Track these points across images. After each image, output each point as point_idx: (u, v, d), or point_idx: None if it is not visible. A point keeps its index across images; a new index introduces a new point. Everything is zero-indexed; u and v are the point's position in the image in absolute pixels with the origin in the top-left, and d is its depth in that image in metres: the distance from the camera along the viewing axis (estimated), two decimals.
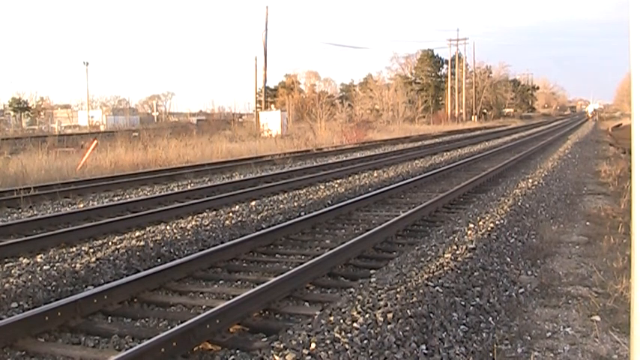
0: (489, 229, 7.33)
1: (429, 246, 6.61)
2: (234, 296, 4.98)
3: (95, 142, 19.52)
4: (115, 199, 11.12)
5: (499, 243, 6.86)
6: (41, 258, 6.20)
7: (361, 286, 5.11)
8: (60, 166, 15.67)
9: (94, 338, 4.45)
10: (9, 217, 9.25)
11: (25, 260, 6.14)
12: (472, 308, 4.79)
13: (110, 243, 6.92)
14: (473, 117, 77.84)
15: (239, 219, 8.47)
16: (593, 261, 6.55)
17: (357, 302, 4.53)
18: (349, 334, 3.87)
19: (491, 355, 4.10)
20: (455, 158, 19.63)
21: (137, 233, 7.46)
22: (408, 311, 4.29)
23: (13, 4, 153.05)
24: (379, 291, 4.79)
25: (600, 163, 17.92)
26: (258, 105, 43.88)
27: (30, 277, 5.54)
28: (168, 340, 3.89)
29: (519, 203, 9.36)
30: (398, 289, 4.75)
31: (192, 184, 13.11)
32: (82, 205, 10.35)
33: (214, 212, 9.13)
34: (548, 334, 4.54)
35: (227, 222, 8.24)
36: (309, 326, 4.11)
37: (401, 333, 3.98)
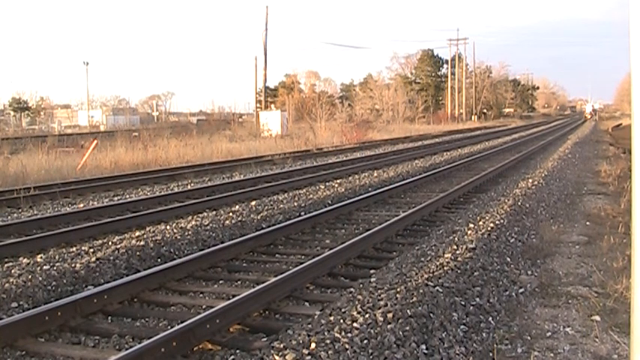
0: (489, 228, 7.33)
1: (429, 246, 6.61)
2: (234, 296, 4.98)
3: (95, 142, 19.52)
4: (115, 199, 11.12)
5: (499, 243, 6.86)
6: (41, 258, 6.20)
7: (361, 286, 5.11)
8: (60, 166, 15.66)
9: (94, 338, 4.45)
10: (9, 217, 9.25)
11: (25, 260, 6.14)
12: (472, 308, 4.79)
13: (110, 243, 6.91)
14: (473, 117, 77.84)
15: (239, 219, 8.47)
16: (593, 261, 6.55)
17: (357, 302, 4.53)
18: (349, 334, 3.87)
19: (491, 355, 4.10)
20: (455, 158, 19.63)
21: (137, 233, 7.46)
22: (408, 311, 4.29)
23: (13, 4, 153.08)
24: (379, 291, 4.79)
25: (600, 162, 17.92)
26: (258, 105, 43.90)
27: (30, 276, 5.54)
28: (168, 340, 3.89)
29: (519, 203, 9.36)
30: (398, 289, 4.75)
31: (192, 184, 13.11)
32: (82, 205, 10.35)
33: (214, 212, 9.13)
34: (548, 334, 4.54)
35: (227, 222, 8.24)
36: (309, 326, 4.11)
37: (401, 333, 3.98)
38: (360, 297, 4.67)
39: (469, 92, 79.98)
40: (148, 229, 7.82)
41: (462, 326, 4.42)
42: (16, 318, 4.42)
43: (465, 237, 6.86)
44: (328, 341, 3.76)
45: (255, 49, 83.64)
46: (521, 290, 5.54)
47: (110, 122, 57.19)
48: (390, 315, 4.17)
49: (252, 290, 4.92)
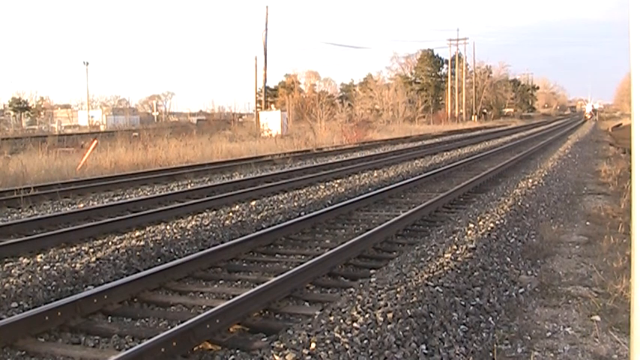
0: (489, 228, 7.32)
1: (429, 246, 6.61)
2: (234, 296, 4.98)
3: (95, 142, 19.53)
4: (115, 199, 11.12)
5: (499, 243, 6.86)
6: (41, 258, 6.20)
7: (361, 285, 5.11)
8: (60, 166, 15.66)
9: (94, 338, 4.45)
10: (9, 217, 9.25)
11: (25, 260, 6.14)
12: (472, 308, 4.79)
13: (110, 243, 6.91)
14: (473, 117, 77.84)
15: (239, 219, 8.47)
16: (593, 261, 6.55)
17: (357, 302, 4.53)
18: (349, 334, 3.87)
19: (491, 355, 4.10)
20: (455, 158, 19.63)
21: (137, 233, 7.45)
22: (408, 311, 4.29)
23: (13, 4, 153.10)
24: (379, 291, 4.79)
25: (600, 162, 17.93)
26: (258, 105, 43.91)
27: (30, 277, 5.54)
28: (168, 340, 3.89)
29: (519, 203, 9.36)
30: (398, 289, 4.75)
31: (192, 184, 13.11)
32: (82, 205, 10.35)
33: (214, 212, 9.13)
34: (548, 333, 4.54)
35: (227, 222, 8.24)
36: (309, 326, 4.11)
37: (401, 333, 3.98)
38: (360, 297, 4.67)
39: (469, 92, 79.98)
40: (148, 229, 7.82)
41: (462, 326, 4.42)
42: (16, 318, 4.42)
43: (465, 237, 6.86)
44: (328, 341, 3.76)
45: (255, 49, 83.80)
46: (521, 290, 5.54)
47: (110, 122, 57.20)
48: (390, 315, 4.17)
49: (252, 290, 4.91)
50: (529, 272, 6.17)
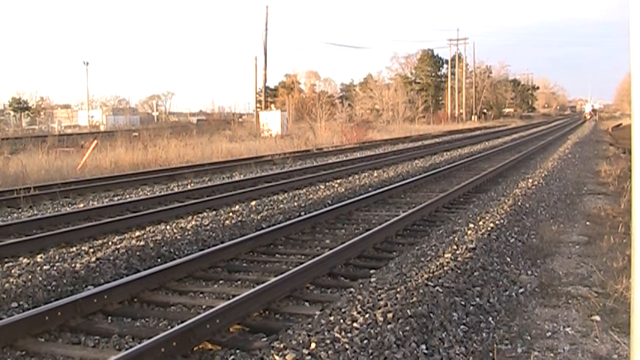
0: (489, 228, 7.33)
1: (429, 246, 6.61)
2: (234, 296, 4.98)
3: (95, 142, 19.53)
4: (115, 199, 11.12)
5: (499, 243, 6.86)
6: (41, 258, 6.20)
7: (361, 286, 5.11)
8: (60, 166, 15.66)
9: (94, 338, 4.45)
10: (9, 217, 9.25)
11: (25, 260, 6.14)
12: (472, 308, 4.79)
13: (110, 243, 6.92)
14: (473, 117, 77.84)
15: (239, 219, 8.47)
16: (593, 261, 6.55)
17: (357, 302, 4.54)
18: (349, 334, 3.87)
19: (491, 355, 4.10)
20: (455, 158, 19.63)
21: (137, 233, 7.46)
22: (408, 311, 4.29)
23: (13, 4, 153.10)
24: (379, 291, 4.79)
25: (600, 162, 17.93)
26: (258, 105, 43.93)
27: (30, 277, 5.54)
28: (169, 340, 3.89)
29: (519, 203, 9.37)
30: (398, 289, 4.75)
31: (192, 184, 13.11)
32: (82, 205, 10.35)
33: (214, 212, 9.13)
34: (548, 333, 4.54)
35: (227, 222, 8.24)
36: (309, 326, 4.11)
37: (401, 333, 3.98)
38: (360, 297, 4.67)
39: (469, 92, 79.99)
40: (148, 229, 7.83)
41: (462, 326, 4.42)
42: (16, 318, 4.42)
43: (465, 237, 6.86)
44: (328, 341, 3.76)
45: (255, 49, 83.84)
46: (521, 290, 5.54)
47: (110, 122, 57.21)
48: (390, 315, 4.17)
49: (252, 290, 4.92)
50: (529, 272, 6.17)
